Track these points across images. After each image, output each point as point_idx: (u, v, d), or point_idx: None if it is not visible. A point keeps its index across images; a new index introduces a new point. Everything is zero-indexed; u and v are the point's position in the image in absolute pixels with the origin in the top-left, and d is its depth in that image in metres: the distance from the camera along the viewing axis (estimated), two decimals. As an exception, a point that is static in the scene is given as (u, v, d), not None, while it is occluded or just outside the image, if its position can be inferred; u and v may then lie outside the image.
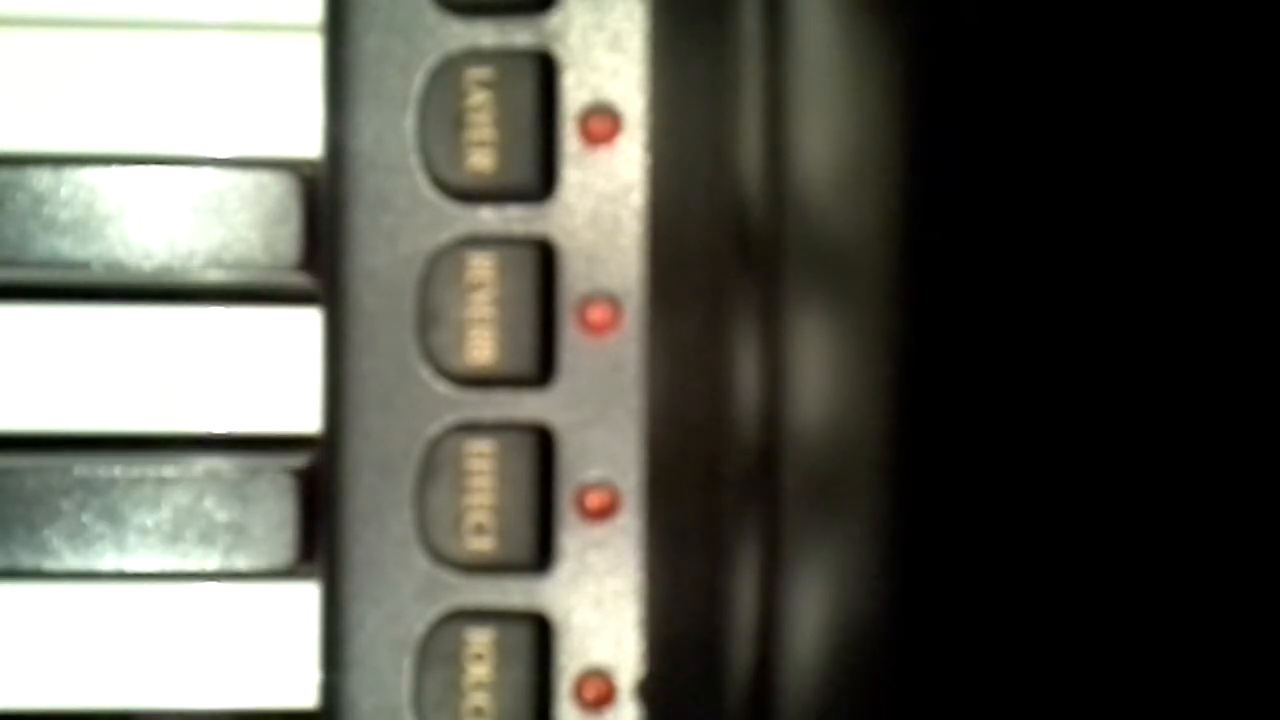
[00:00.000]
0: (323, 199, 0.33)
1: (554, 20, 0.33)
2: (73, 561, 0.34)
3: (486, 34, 0.33)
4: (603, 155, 0.33)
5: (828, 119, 0.34)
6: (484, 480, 0.33)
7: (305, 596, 0.34)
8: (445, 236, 0.33)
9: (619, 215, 0.33)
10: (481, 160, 0.33)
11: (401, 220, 0.33)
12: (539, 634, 0.33)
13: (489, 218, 0.33)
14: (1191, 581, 0.35)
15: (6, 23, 0.34)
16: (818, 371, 0.34)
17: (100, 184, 0.33)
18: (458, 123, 0.33)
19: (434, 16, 0.33)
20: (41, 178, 0.33)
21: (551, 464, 0.33)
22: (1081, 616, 0.34)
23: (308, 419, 0.34)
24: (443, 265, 0.33)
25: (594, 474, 0.33)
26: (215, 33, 0.34)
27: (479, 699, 0.33)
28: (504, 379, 0.33)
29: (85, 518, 0.34)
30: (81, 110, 0.34)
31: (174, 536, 0.34)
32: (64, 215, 0.33)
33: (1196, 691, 0.35)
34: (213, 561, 0.34)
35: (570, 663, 0.33)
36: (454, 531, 0.33)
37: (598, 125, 0.33)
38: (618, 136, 0.33)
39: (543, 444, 0.33)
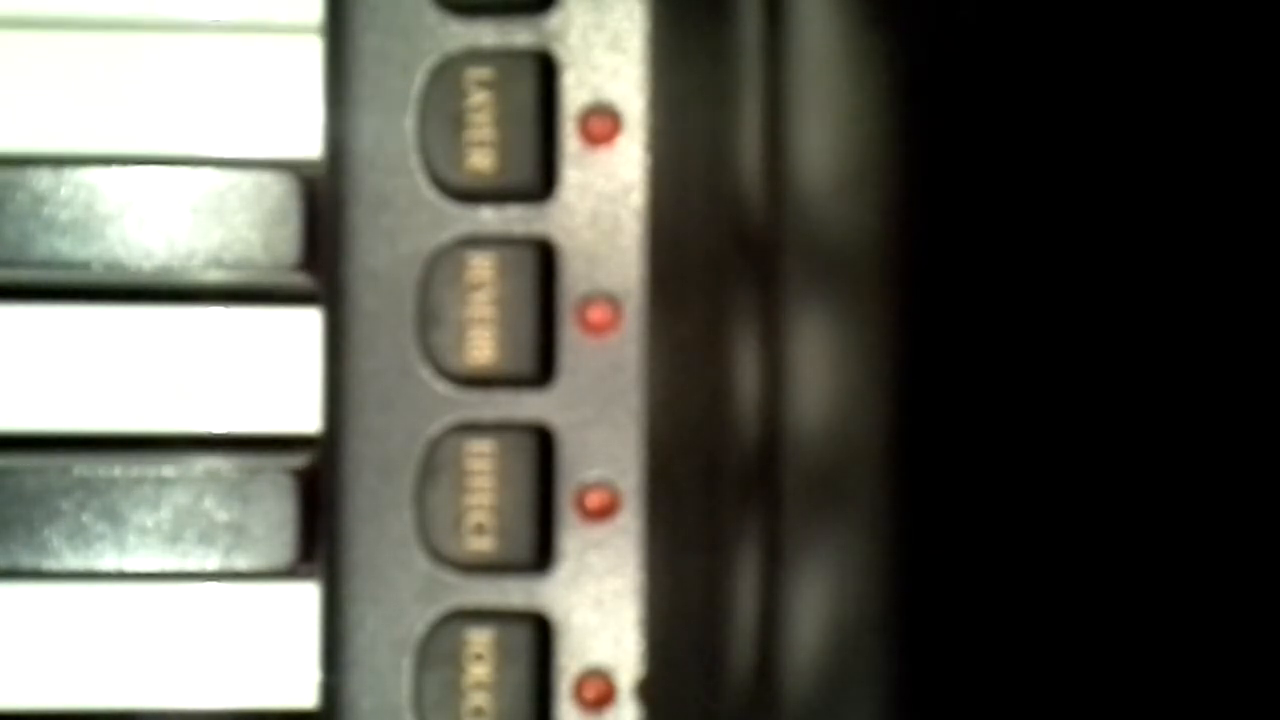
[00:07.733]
0: (323, 199, 0.33)
1: (554, 20, 0.33)
2: (73, 561, 0.34)
3: (486, 34, 0.33)
4: (603, 155, 0.33)
5: (827, 119, 0.34)
6: (484, 480, 0.33)
7: (305, 596, 0.34)
8: (445, 236, 0.33)
9: (619, 215, 0.33)
10: (481, 160, 0.33)
11: (401, 220, 0.33)
12: (539, 634, 0.33)
13: (489, 218, 0.33)
14: (1190, 580, 0.35)
15: (6, 23, 0.34)
16: (817, 371, 0.34)
17: (100, 184, 0.33)
18: (458, 123, 0.33)
19: (434, 16, 0.33)
20: (41, 178, 0.33)
21: (551, 464, 0.33)
22: (1082, 614, 0.34)
23: (308, 419, 0.34)
24: (443, 265, 0.33)
25: (594, 474, 0.33)
26: (215, 33, 0.34)
27: (479, 699, 0.33)
28: (504, 379, 0.33)
29: (85, 518, 0.34)
30: (81, 110, 0.34)
31: (174, 536, 0.34)
32: (64, 215, 0.33)
33: (1196, 690, 0.35)
34: (213, 561, 0.34)
35: (570, 663, 0.33)
36: (454, 531, 0.33)
37: (598, 125, 0.33)
38: (618, 136, 0.33)
39: (543, 444, 0.33)
